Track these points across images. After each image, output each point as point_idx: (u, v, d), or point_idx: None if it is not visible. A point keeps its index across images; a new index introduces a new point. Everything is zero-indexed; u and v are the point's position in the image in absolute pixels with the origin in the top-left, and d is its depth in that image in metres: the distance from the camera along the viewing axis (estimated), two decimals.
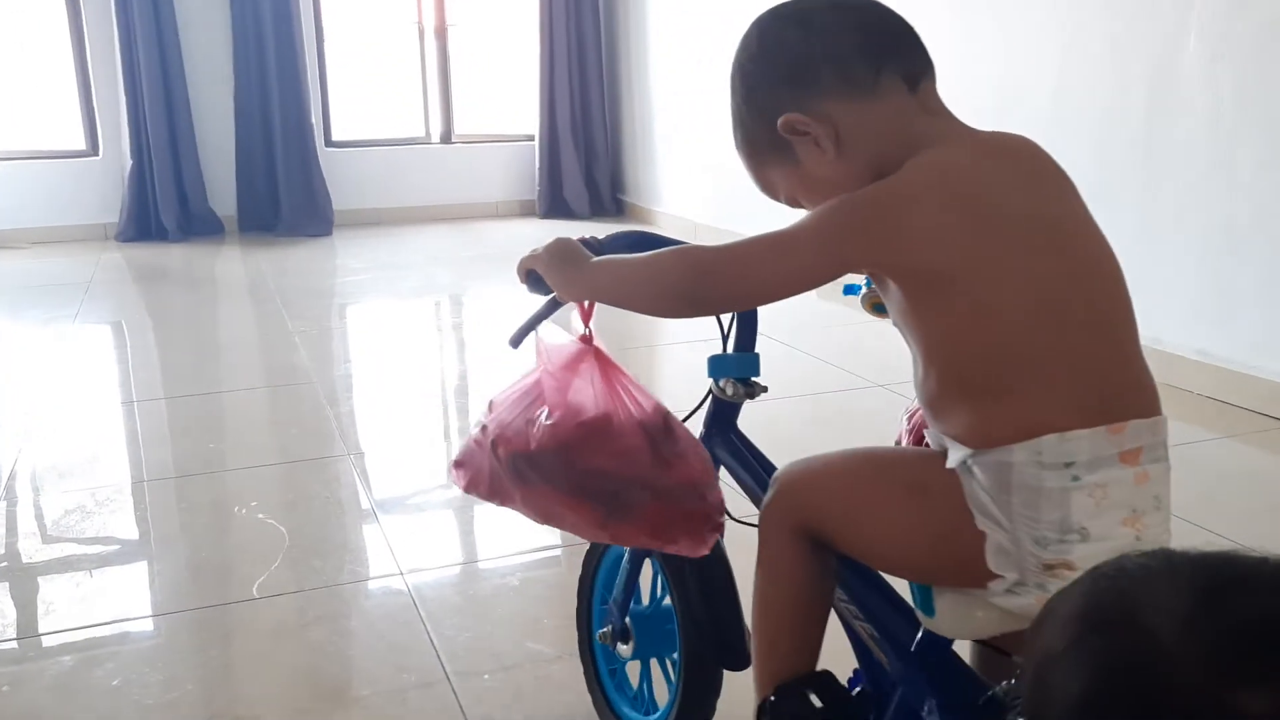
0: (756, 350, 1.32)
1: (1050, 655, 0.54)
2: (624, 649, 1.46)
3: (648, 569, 1.46)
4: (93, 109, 6.45)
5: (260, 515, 2.41)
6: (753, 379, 1.30)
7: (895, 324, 1.06)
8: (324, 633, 1.91)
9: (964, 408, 0.99)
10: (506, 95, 7.31)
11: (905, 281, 1.00)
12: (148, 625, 1.97)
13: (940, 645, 1.07)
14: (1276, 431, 2.84)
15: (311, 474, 2.67)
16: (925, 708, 1.06)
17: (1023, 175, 1.03)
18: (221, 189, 6.61)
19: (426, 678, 1.76)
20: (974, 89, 4.00)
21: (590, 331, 1.24)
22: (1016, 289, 0.97)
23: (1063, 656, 0.53)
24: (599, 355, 1.21)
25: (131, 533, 2.38)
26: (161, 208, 6.34)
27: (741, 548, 1.31)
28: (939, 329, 0.99)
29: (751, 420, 1.36)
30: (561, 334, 1.25)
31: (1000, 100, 3.88)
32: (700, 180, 6.11)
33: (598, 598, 1.56)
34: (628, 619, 1.45)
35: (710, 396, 1.33)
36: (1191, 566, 0.53)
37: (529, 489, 1.20)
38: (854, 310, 1.38)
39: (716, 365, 1.31)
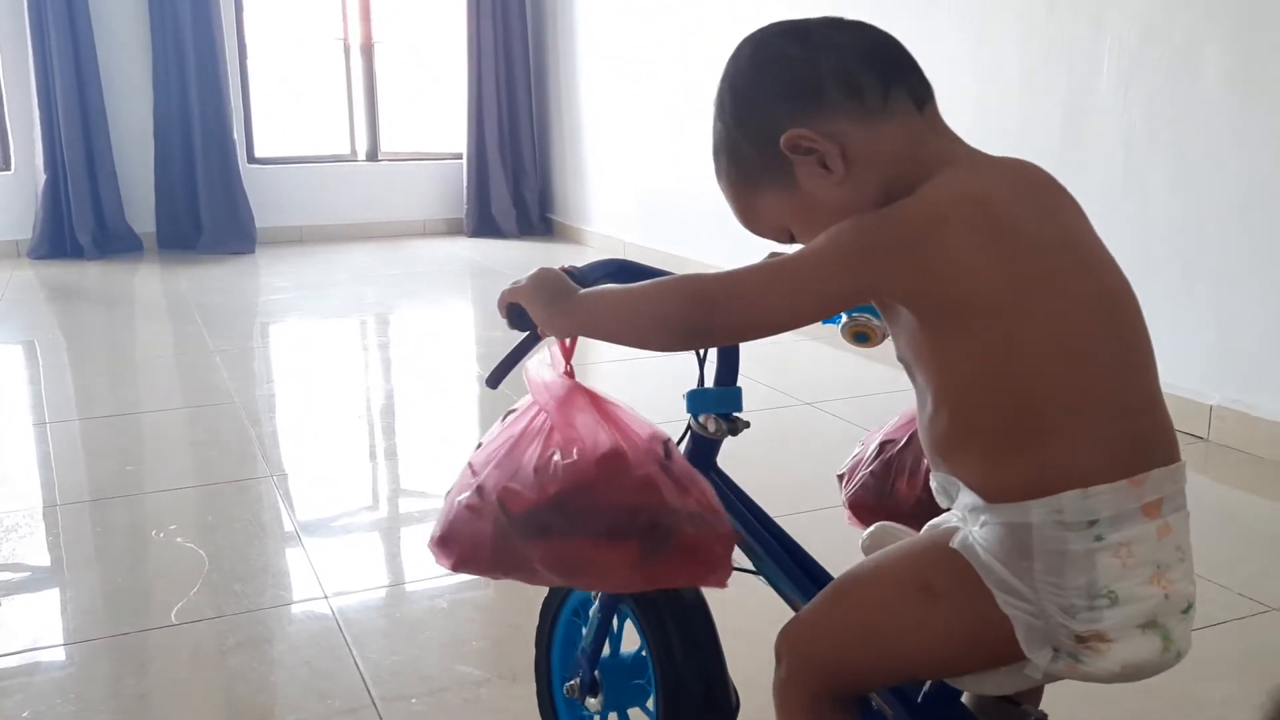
0: (739, 384, 1.25)
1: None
2: (593, 702, 1.36)
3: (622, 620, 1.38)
4: (4, 122, 6.27)
5: (179, 539, 2.35)
6: (735, 414, 1.23)
7: (901, 358, 0.99)
8: (245, 659, 1.87)
9: (978, 454, 0.92)
10: (434, 113, 7.28)
11: (926, 312, 0.92)
12: (60, 654, 1.91)
13: (947, 696, 1.04)
14: (1186, 447, 2.92)
15: (233, 496, 2.62)
16: None
17: (1044, 201, 0.97)
18: (140, 205, 6.47)
19: (351, 703, 1.72)
20: None
21: (571, 367, 1.17)
22: (1044, 325, 0.90)
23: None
24: (587, 391, 1.14)
25: (43, 559, 2.30)
26: (76, 224, 6.18)
27: (717, 592, 1.23)
28: (958, 366, 0.92)
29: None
30: (549, 371, 1.16)
31: None
32: (630, 199, 6.14)
33: (558, 648, 1.46)
34: (597, 671, 1.35)
35: (689, 433, 1.25)
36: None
37: (551, 543, 1.06)
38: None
39: (696, 400, 1.23)
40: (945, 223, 0.90)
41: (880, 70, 0.98)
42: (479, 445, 1.17)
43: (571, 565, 1.07)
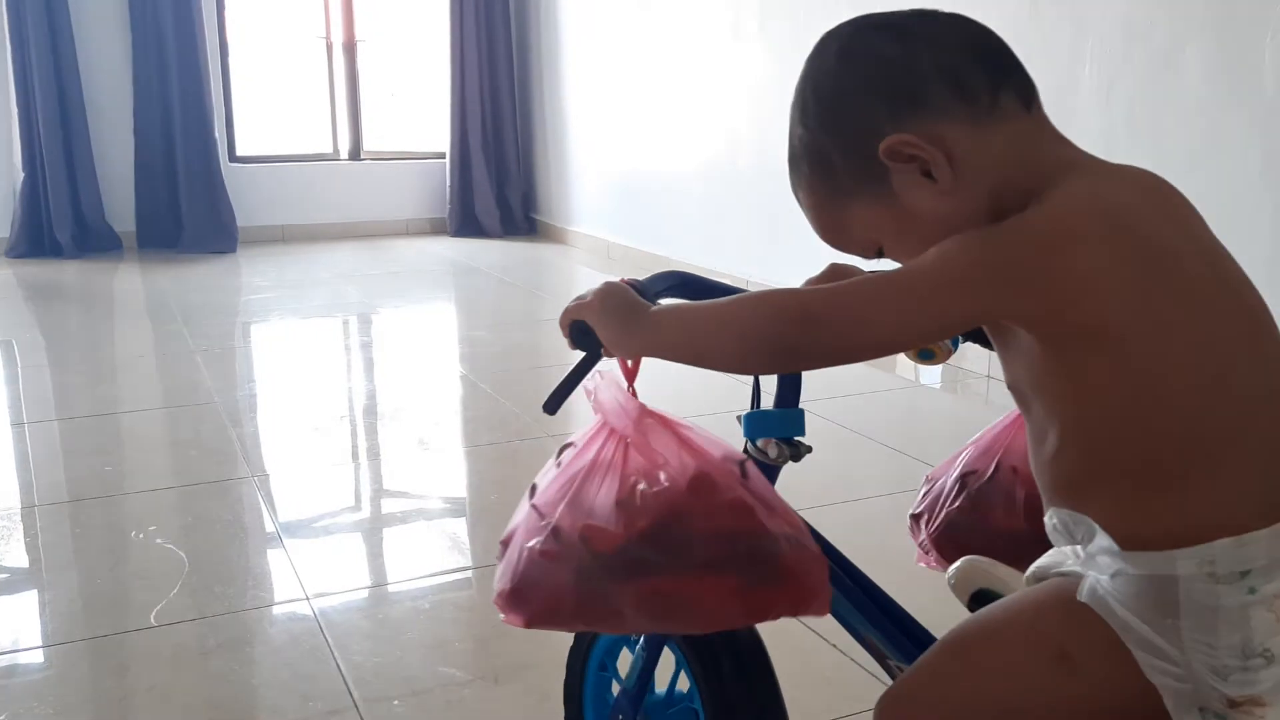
0: (801, 405, 1.15)
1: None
2: None
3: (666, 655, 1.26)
4: None
5: (159, 540, 2.33)
6: (797, 438, 1.12)
7: (1013, 386, 0.90)
8: (226, 661, 1.85)
9: (1114, 496, 0.83)
10: (417, 112, 7.25)
11: (1054, 339, 0.83)
12: (38, 657, 1.89)
13: None
14: None
15: (213, 497, 2.60)
16: None
17: (1176, 213, 0.88)
18: (120, 204, 6.42)
19: (333, 705, 1.71)
20: None
21: (634, 389, 1.04)
22: (1188, 351, 0.81)
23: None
24: (653, 413, 1.02)
25: (21, 560, 2.28)
26: (55, 223, 6.13)
27: (772, 627, 1.13)
28: (1091, 397, 0.83)
29: None
30: (619, 393, 1.03)
31: None
32: (614, 199, 6.13)
33: (589, 698, 1.35)
34: (642, 714, 1.24)
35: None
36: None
37: (646, 582, 0.95)
38: None
39: (756, 424, 1.12)
40: (1079, 239, 0.81)
41: (987, 67, 0.88)
42: (534, 487, 1.05)
43: (669, 605, 0.96)
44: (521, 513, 1.03)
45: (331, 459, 2.93)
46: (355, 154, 7.10)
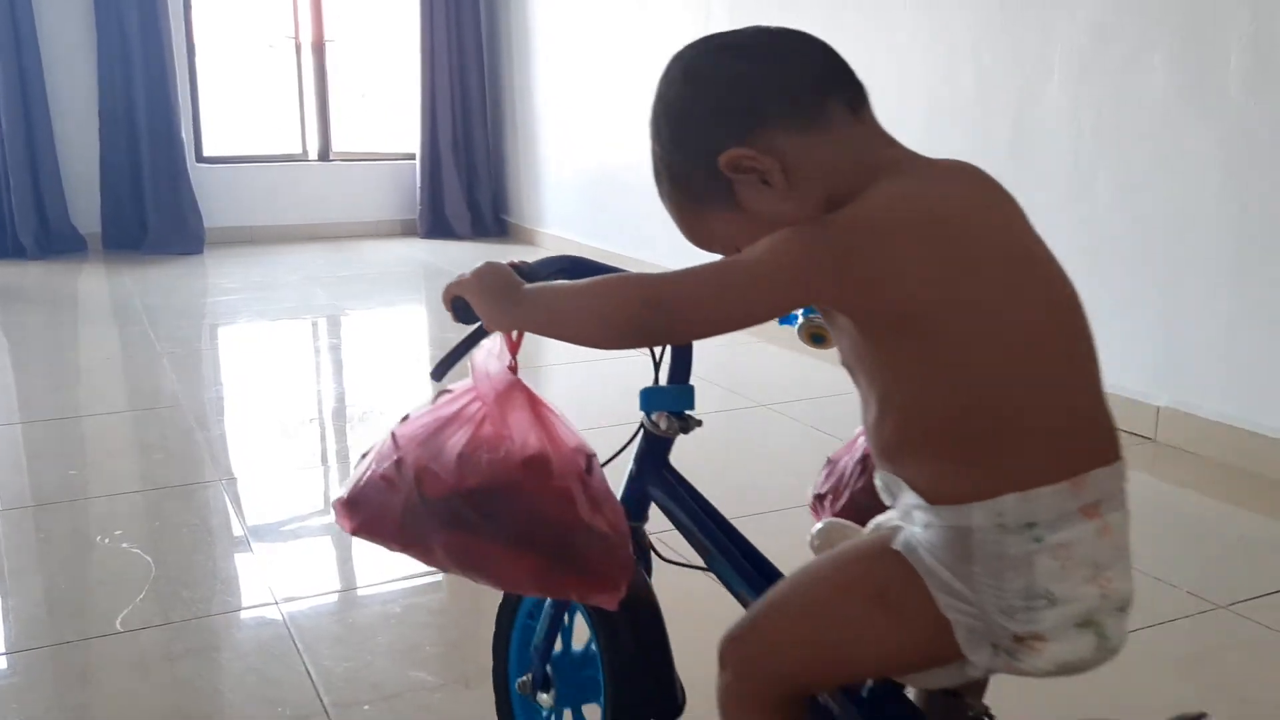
0: (691, 382, 1.25)
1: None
2: (545, 698, 1.36)
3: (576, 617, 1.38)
4: None
5: (125, 545, 2.30)
6: (687, 412, 1.24)
7: (845, 363, 0.98)
8: (193, 666, 1.83)
9: (924, 458, 0.92)
10: (386, 113, 7.22)
11: (870, 320, 0.91)
12: (1, 664, 1.86)
13: (891, 691, 1.05)
14: (1134, 447, 2.97)
15: (180, 501, 2.57)
16: None
17: (990, 206, 0.97)
18: (84, 205, 6.35)
19: (302, 711, 1.70)
20: None
21: (516, 363, 1.13)
22: (990, 333, 0.90)
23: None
24: (526, 389, 1.11)
25: None
26: (18, 224, 6.06)
27: (668, 590, 1.29)
28: (904, 375, 0.92)
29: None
30: (495, 362, 1.13)
31: None
32: (584, 201, 6.12)
33: (514, 650, 1.45)
34: (549, 666, 1.36)
35: (641, 431, 1.26)
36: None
37: (457, 535, 1.06)
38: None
39: (650, 398, 1.23)
40: (887, 231, 0.90)
41: (815, 80, 0.97)
42: (405, 417, 1.14)
43: (473, 561, 1.07)
44: (384, 435, 1.13)
45: (300, 462, 2.91)
46: (324, 155, 7.06)
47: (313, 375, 3.97)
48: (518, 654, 1.45)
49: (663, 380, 1.25)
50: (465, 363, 1.18)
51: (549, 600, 1.32)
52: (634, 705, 1.27)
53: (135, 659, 1.85)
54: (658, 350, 1.22)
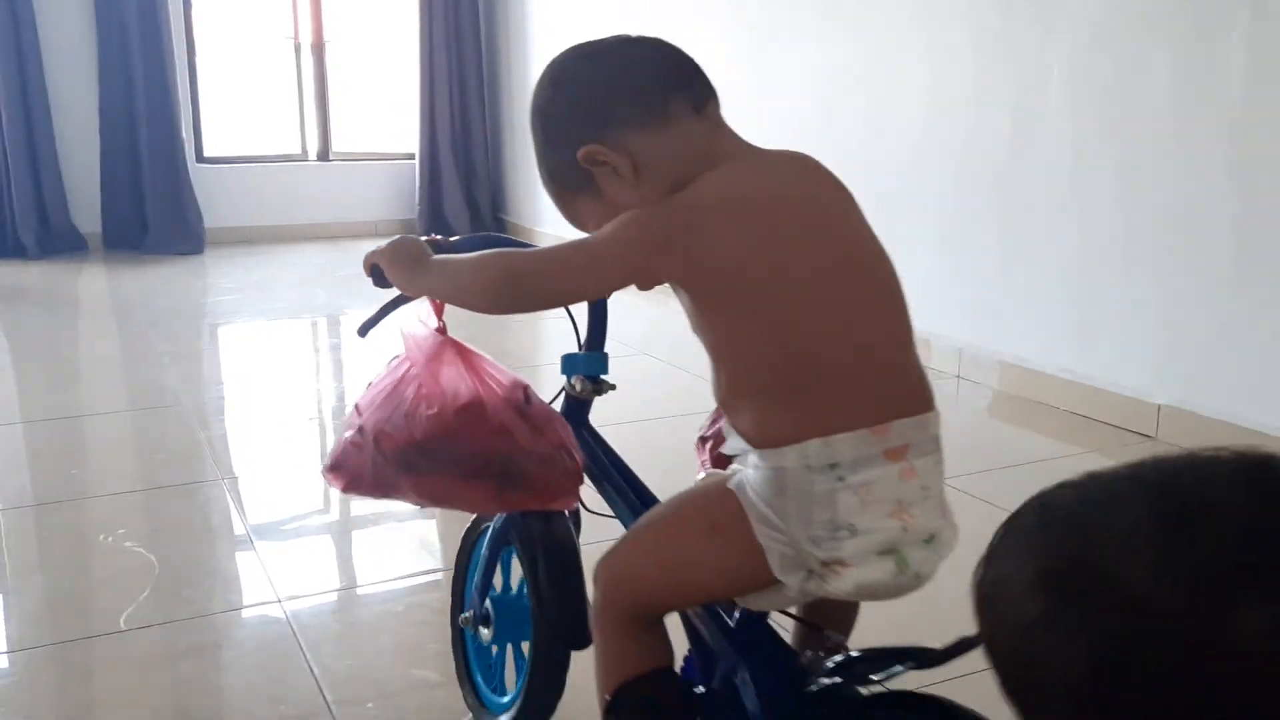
0: (606, 350, 1.41)
1: (1026, 628, 0.52)
2: (485, 633, 1.52)
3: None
4: None
5: (127, 544, 2.31)
6: (601, 377, 1.39)
7: (692, 330, 1.11)
8: (196, 665, 1.84)
9: (750, 409, 1.06)
10: (386, 112, 7.22)
11: (697, 291, 1.06)
12: (3, 662, 1.86)
13: (756, 622, 1.16)
14: (1134, 445, 2.97)
15: (182, 500, 2.58)
16: (740, 678, 1.14)
17: (807, 188, 1.11)
18: (85, 205, 6.35)
19: (305, 709, 1.70)
20: (842, 120, 4.12)
21: (443, 324, 1.34)
22: (800, 298, 1.03)
23: (1043, 630, 0.51)
24: (457, 345, 1.32)
25: None
26: (20, 223, 6.05)
27: (587, 533, 1.43)
28: (727, 337, 1.06)
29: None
30: (422, 328, 1.33)
31: (869, 130, 4.00)
32: None
33: (470, 580, 1.59)
34: (488, 604, 1.51)
35: (563, 393, 1.41)
36: (1141, 496, 0.52)
37: (420, 478, 1.27)
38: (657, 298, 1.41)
39: (568, 363, 1.39)
40: (705, 214, 1.04)
41: (660, 82, 1.11)
42: (369, 386, 1.34)
43: (439, 496, 1.29)
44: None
45: (301, 461, 2.92)
46: (324, 155, 7.06)
47: (312, 375, 3.98)
48: (470, 583, 1.58)
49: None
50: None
51: (485, 542, 1.50)
52: (550, 637, 1.43)
53: (138, 657, 1.86)
54: (580, 320, 1.39)
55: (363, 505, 2.66)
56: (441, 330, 1.33)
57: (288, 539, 2.41)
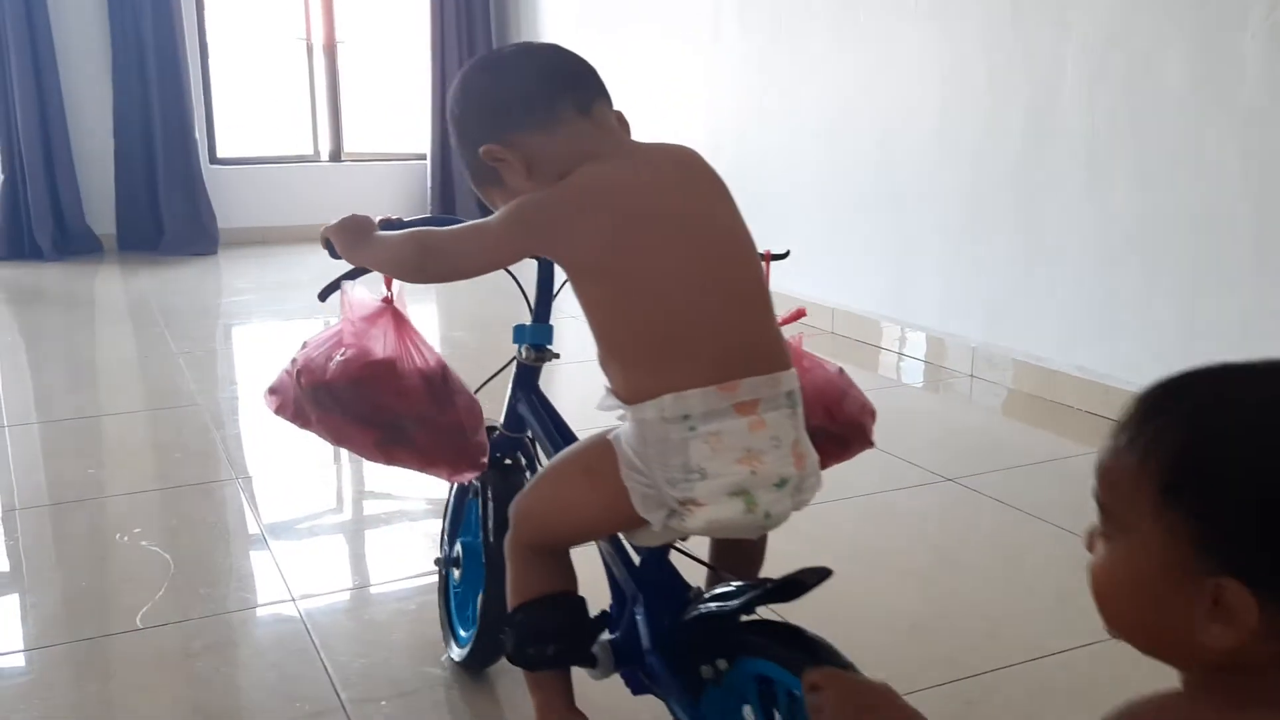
0: (551, 323, 1.58)
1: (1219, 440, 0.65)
2: (455, 573, 1.71)
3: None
4: None
5: (144, 542, 2.32)
6: (547, 346, 1.57)
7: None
8: (212, 663, 1.85)
9: (617, 371, 1.22)
10: (398, 113, 7.23)
11: (566, 268, 1.24)
12: (21, 661, 1.88)
13: (657, 560, 1.32)
14: None
15: (197, 499, 2.59)
16: (637, 608, 1.31)
17: (673, 179, 1.26)
18: (100, 206, 6.39)
19: (320, 706, 1.71)
20: (857, 121, 4.11)
21: (392, 295, 1.52)
22: (654, 276, 1.19)
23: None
24: (396, 315, 1.50)
25: (2, 564, 2.26)
26: (36, 226, 6.09)
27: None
28: (595, 309, 1.23)
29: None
30: (367, 294, 1.52)
31: (885, 127, 3.99)
32: None
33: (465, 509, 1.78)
34: (458, 547, 1.69)
35: (515, 361, 1.58)
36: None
37: (324, 414, 1.46)
38: None
39: (518, 334, 1.56)
40: (565, 205, 1.21)
41: (548, 87, 1.27)
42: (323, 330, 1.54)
43: (336, 434, 1.47)
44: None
45: (314, 460, 2.93)
46: (336, 155, 7.08)
47: None
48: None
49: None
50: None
51: (452, 491, 1.72)
52: (497, 581, 1.51)
53: (155, 655, 1.87)
54: (529, 294, 1.58)
55: (374, 505, 2.67)
56: (388, 300, 1.52)
57: (301, 538, 2.42)
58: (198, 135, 6.47)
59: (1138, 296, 3.10)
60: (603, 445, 1.24)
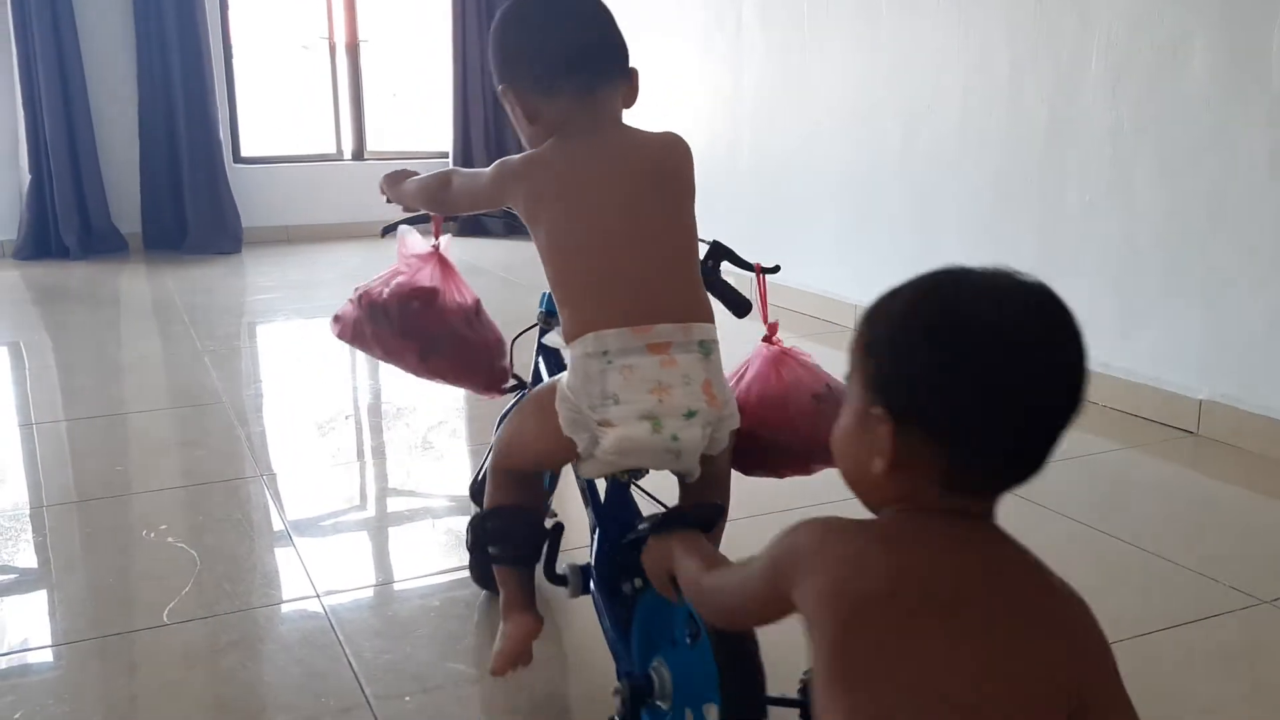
0: None
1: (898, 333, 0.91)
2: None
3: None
4: None
5: (170, 539, 2.34)
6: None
7: None
8: (237, 658, 1.86)
9: (562, 312, 1.45)
10: (419, 112, 7.25)
11: (526, 223, 1.49)
12: (49, 655, 1.90)
13: (620, 496, 1.55)
14: (1175, 441, 2.94)
15: (222, 496, 2.61)
16: (598, 535, 1.56)
17: (622, 159, 1.47)
18: (125, 206, 6.43)
19: (345, 702, 1.72)
20: (881, 107, 4.09)
21: (438, 244, 1.83)
22: (582, 235, 1.43)
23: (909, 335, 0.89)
24: (442, 259, 1.82)
25: (30, 560, 2.29)
26: (62, 225, 6.15)
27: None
28: (543, 259, 1.47)
29: None
30: (419, 239, 1.84)
31: (907, 121, 3.97)
32: None
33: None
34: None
35: (539, 324, 1.79)
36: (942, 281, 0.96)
37: (377, 329, 1.76)
38: None
39: (544, 299, 1.75)
40: (531, 170, 1.48)
41: (559, 64, 1.46)
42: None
43: (384, 346, 1.78)
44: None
45: (338, 458, 2.94)
46: (358, 154, 7.11)
47: (349, 372, 4.00)
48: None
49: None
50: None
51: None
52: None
53: (181, 650, 1.89)
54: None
55: (398, 502, 2.68)
56: (435, 249, 1.83)
57: (325, 534, 2.43)
58: (222, 135, 6.51)
59: (1162, 291, 3.07)
60: (551, 384, 1.46)
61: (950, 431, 0.85)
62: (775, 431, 1.54)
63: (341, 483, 2.76)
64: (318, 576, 2.16)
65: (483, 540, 1.57)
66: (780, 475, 1.62)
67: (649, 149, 1.49)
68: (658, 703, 1.40)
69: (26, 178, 6.13)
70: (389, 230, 1.91)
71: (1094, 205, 3.23)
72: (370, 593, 2.14)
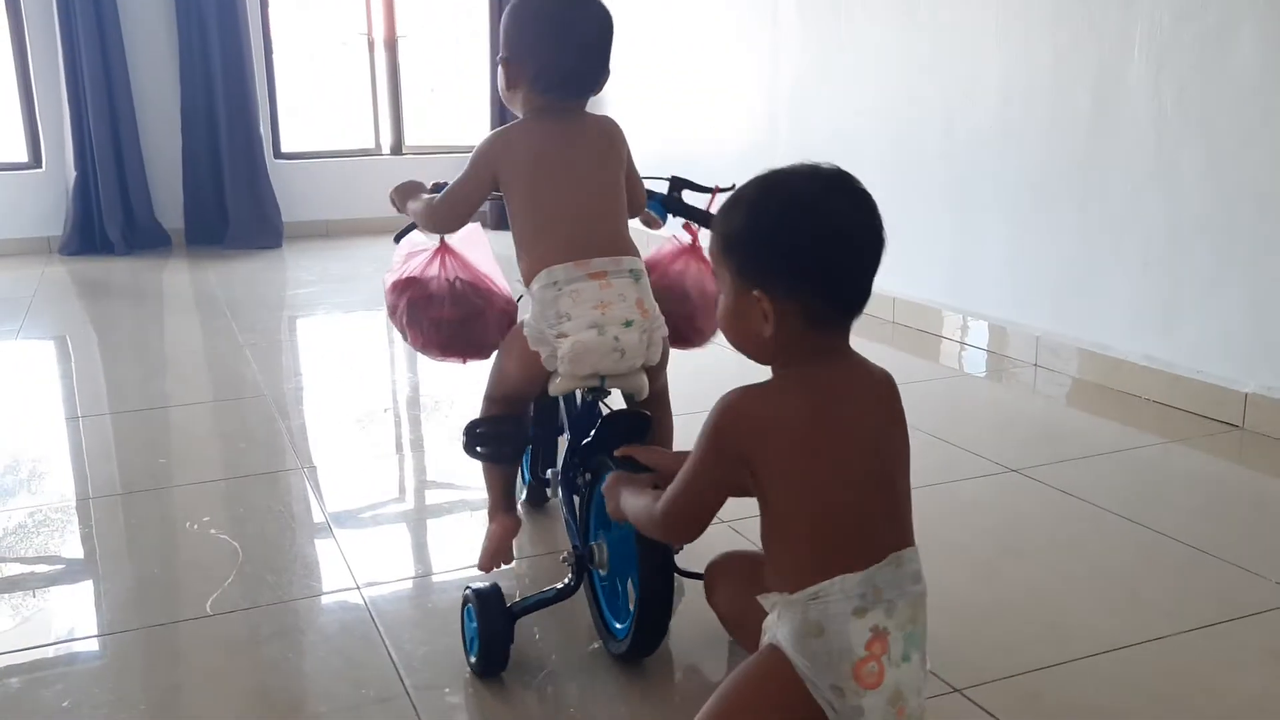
0: None
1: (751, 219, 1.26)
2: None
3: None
4: (35, 120, 6.33)
5: (212, 531, 2.37)
6: None
7: None
8: (279, 649, 1.88)
9: (521, 260, 1.83)
10: (457, 106, 7.28)
11: (502, 187, 1.84)
12: (95, 645, 1.93)
13: (589, 410, 1.92)
14: (1220, 435, 2.89)
15: (264, 488, 2.64)
16: (569, 442, 1.93)
17: (571, 139, 1.84)
18: (168, 201, 6.52)
19: (385, 693, 1.73)
20: (921, 97, 4.06)
21: (444, 240, 2.04)
22: (536, 194, 1.81)
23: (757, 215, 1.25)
24: (445, 248, 2.03)
25: (76, 551, 2.33)
26: (106, 220, 6.24)
27: None
28: (509, 214, 1.84)
29: None
30: (425, 239, 2.06)
31: (946, 109, 3.93)
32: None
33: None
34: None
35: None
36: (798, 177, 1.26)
37: (397, 297, 2.03)
38: None
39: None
40: (494, 146, 1.85)
41: (560, 75, 1.84)
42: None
43: (413, 343, 2.05)
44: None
45: (377, 450, 2.96)
46: (397, 149, 7.15)
47: (388, 366, 4.04)
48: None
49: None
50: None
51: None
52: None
53: (224, 641, 1.91)
54: None
55: (437, 494, 2.70)
56: (442, 242, 2.04)
57: (365, 527, 2.45)
58: (262, 131, 6.58)
59: (1206, 282, 3.02)
60: (518, 326, 1.84)
61: (808, 286, 1.21)
62: (670, 296, 2.01)
63: (381, 475, 2.78)
64: (358, 568, 2.18)
65: (473, 441, 1.92)
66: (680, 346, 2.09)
67: (594, 130, 1.87)
68: (599, 570, 1.79)
69: (72, 175, 6.22)
70: (400, 237, 2.13)
71: (1137, 195, 3.19)
72: (410, 584, 2.15)
